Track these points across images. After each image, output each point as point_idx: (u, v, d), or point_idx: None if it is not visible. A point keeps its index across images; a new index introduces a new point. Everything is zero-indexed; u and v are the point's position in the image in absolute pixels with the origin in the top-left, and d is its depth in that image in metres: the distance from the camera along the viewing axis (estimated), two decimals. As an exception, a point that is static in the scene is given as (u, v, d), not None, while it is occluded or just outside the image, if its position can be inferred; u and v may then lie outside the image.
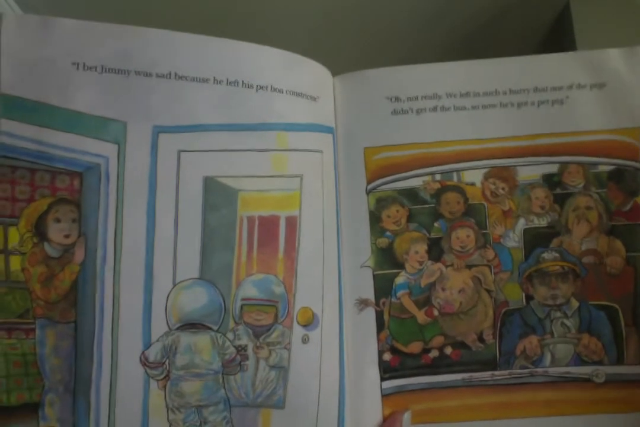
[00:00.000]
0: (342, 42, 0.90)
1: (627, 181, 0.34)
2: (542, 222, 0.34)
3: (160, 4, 0.79)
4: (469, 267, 0.34)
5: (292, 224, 0.32)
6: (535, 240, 0.34)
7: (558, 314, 0.34)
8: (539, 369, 0.33)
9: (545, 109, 0.34)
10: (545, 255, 0.34)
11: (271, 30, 0.82)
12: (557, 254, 0.34)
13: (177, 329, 0.29)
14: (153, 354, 0.29)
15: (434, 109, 0.34)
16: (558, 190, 0.34)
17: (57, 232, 0.28)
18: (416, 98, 0.34)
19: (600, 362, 0.33)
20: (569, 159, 0.34)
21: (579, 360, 0.33)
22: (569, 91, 0.34)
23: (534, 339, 0.34)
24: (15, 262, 0.28)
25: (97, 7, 0.74)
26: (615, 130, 0.34)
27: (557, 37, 0.90)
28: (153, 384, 0.29)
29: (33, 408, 0.28)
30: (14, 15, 0.28)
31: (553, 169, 0.34)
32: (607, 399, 0.33)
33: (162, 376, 0.29)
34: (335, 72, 0.35)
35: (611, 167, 0.34)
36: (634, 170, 0.34)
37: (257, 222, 0.31)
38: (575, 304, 0.34)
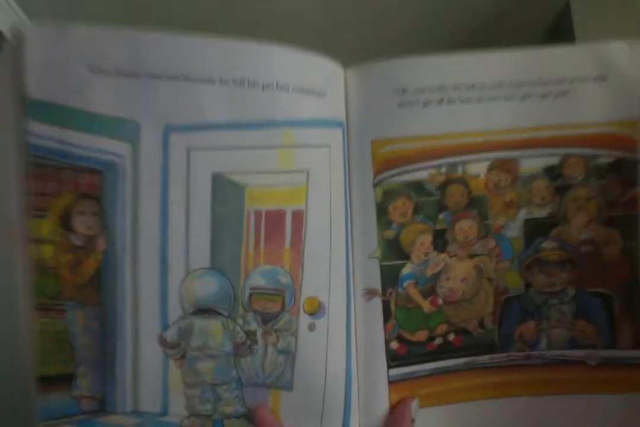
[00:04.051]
0: (351, 37, 0.88)
1: (625, 173, 0.34)
2: (543, 213, 0.34)
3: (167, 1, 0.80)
4: (471, 257, 0.35)
5: (299, 217, 0.33)
6: (536, 230, 0.34)
7: (555, 300, 0.34)
8: (535, 352, 0.34)
9: (548, 101, 0.33)
10: (545, 244, 0.34)
11: (280, 26, 0.81)
12: (555, 244, 0.34)
13: (191, 313, 0.32)
14: (170, 335, 0.31)
15: (440, 101, 0.33)
16: (559, 182, 0.34)
17: (81, 224, 0.31)
18: (423, 90, 0.33)
19: (594, 346, 0.34)
20: (570, 151, 0.34)
21: (573, 344, 0.34)
22: (572, 84, 0.33)
23: (531, 324, 0.34)
24: (47, 250, 0.30)
25: (98, 7, 0.76)
26: (615, 123, 0.33)
27: (557, 37, 0.87)
28: (171, 363, 0.32)
29: (68, 378, 0.31)
30: (33, 25, 0.30)
31: (554, 161, 0.34)
32: (601, 380, 0.34)
33: (178, 356, 0.32)
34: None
35: (611, 159, 0.34)
36: (632, 162, 0.33)
37: (263, 216, 0.32)
38: (572, 291, 0.34)
